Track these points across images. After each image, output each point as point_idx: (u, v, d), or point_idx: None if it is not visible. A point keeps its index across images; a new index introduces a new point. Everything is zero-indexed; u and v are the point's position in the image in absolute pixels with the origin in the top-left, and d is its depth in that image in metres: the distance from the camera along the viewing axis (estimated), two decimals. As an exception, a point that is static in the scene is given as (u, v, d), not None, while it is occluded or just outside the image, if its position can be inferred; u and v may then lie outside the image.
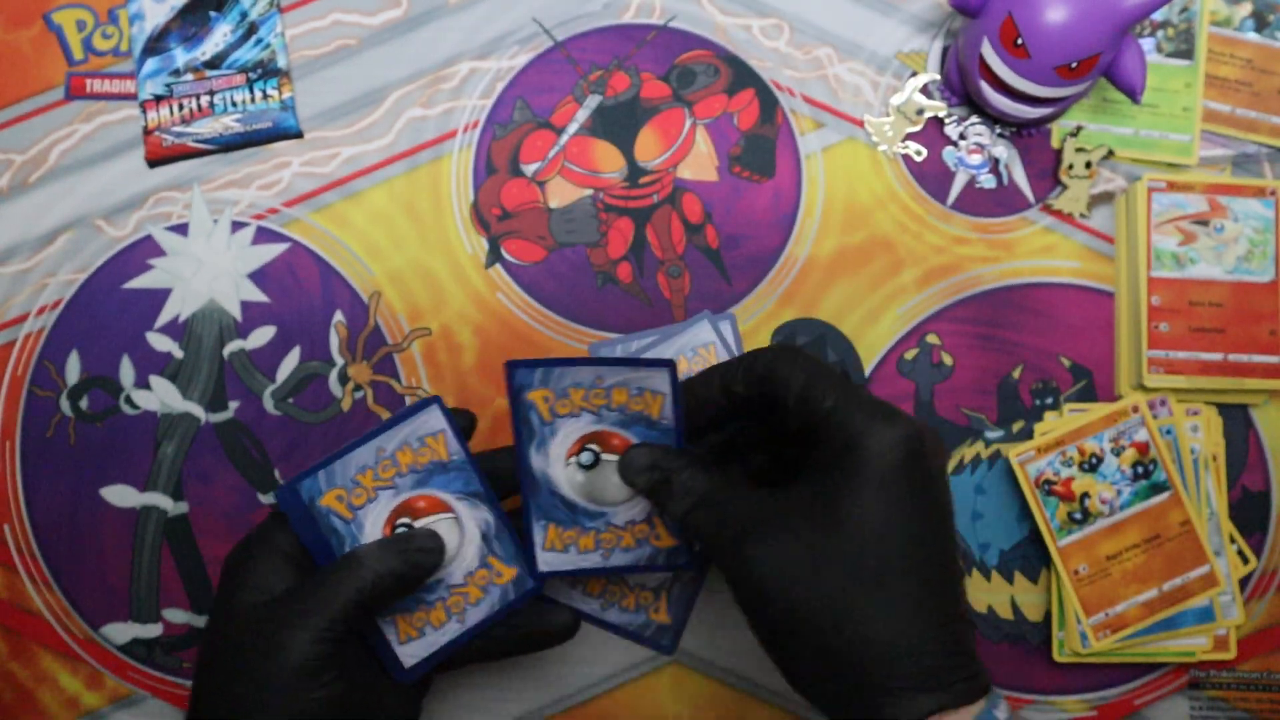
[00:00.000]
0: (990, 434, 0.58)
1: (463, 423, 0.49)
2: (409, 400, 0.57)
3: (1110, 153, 0.59)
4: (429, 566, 0.47)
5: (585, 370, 0.47)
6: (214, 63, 0.59)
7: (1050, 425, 0.57)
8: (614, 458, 0.48)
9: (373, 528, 0.47)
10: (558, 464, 0.49)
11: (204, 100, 0.58)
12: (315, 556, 0.47)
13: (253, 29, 0.59)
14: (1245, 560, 0.57)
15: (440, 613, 0.48)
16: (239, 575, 0.46)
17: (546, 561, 0.49)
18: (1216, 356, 0.57)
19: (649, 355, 0.56)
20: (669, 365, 0.47)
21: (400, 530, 0.47)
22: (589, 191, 0.59)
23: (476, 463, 0.49)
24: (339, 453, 0.47)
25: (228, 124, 0.58)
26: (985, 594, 0.57)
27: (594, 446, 0.49)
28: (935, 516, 0.43)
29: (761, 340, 0.58)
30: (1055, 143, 0.59)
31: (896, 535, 0.42)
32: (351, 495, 0.47)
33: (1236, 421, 0.58)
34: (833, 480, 0.43)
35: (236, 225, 0.58)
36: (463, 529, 0.48)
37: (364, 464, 0.47)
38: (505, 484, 0.50)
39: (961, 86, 0.59)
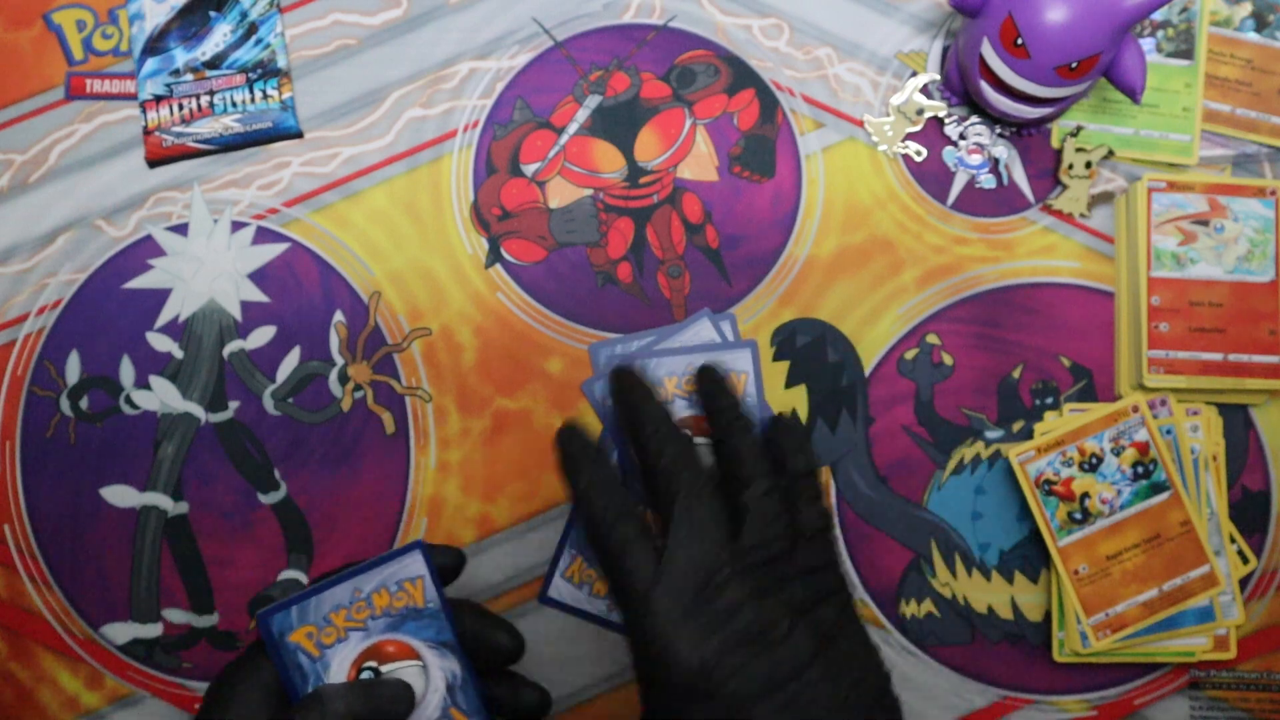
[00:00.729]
0: (990, 434, 0.58)
1: (448, 560, 0.48)
2: (409, 401, 0.57)
3: (1110, 153, 0.59)
4: (395, 717, 0.45)
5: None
6: (214, 63, 0.59)
7: (1050, 425, 0.57)
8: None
9: (338, 668, 0.46)
10: None
11: (204, 100, 0.58)
12: (286, 690, 0.45)
13: (253, 29, 0.59)
14: (1245, 560, 0.57)
15: None
16: (216, 706, 0.45)
17: None
18: (1216, 356, 0.57)
19: (656, 355, 0.56)
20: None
21: (366, 674, 0.46)
22: (589, 191, 0.59)
23: (452, 612, 0.47)
24: (316, 588, 0.46)
25: (228, 124, 0.58)
26: (985, 594, 0.57)
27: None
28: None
29: (763, 340, 0.58)
30: (1055, 143, 0.59)
31: None
32: (321, 633, 0.46)
33: (1236, 421, 0.58)
34: None
35: (236, 225, 0.58)
36: (428, 678, 0.47)
37: (338, 603, 0.46)
38: (467, 643, 0.48)
39: (961, 86, 0.59)
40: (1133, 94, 0.54)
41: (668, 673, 0.44)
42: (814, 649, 0.44)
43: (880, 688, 0.46)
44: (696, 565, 0.45)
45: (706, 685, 0.43)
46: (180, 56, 0.59)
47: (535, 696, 0.49)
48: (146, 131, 0.58)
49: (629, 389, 0.51)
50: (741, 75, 0.60)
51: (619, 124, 0.59)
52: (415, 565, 0.47)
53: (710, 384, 0.51)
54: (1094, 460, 0.55)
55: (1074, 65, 0.52)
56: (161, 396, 0.57)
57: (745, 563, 0.45)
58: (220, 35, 0.59)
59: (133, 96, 0.59)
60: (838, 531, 0.57)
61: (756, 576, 0.45)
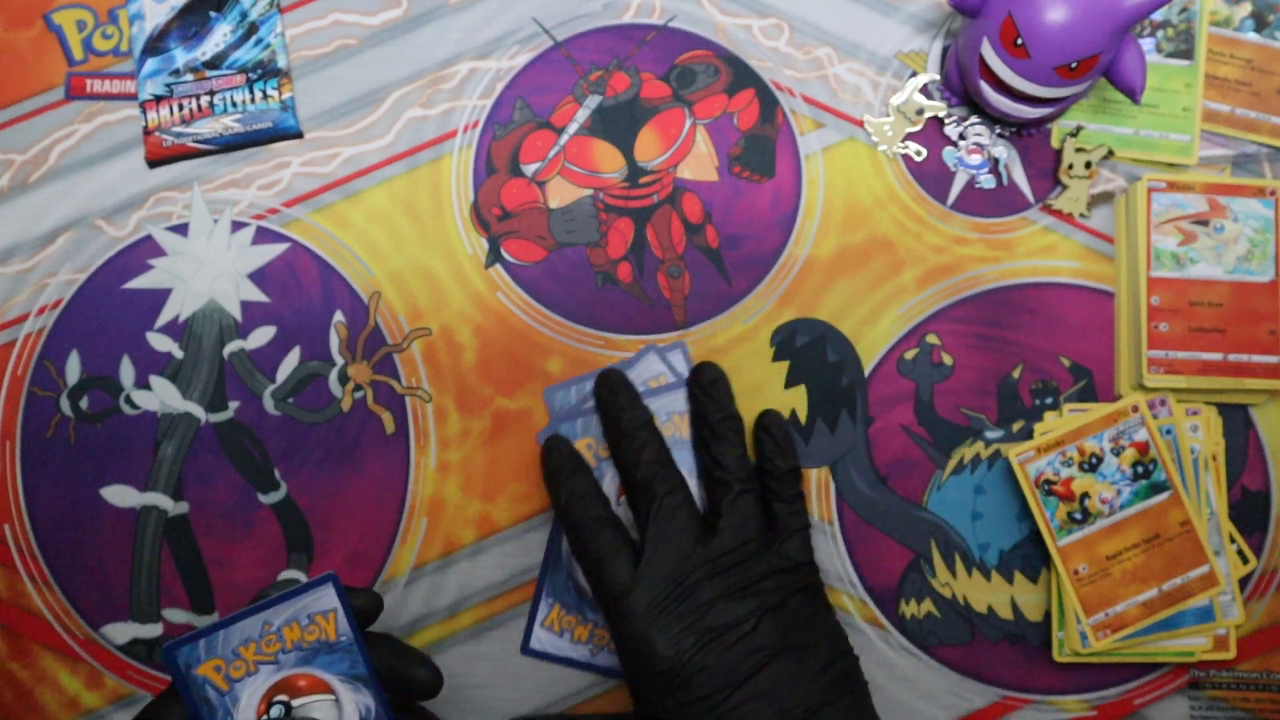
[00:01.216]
0: (990, 434, 0.58)
1: (364, 603, 0.48)
2: (409, 401, 0.57)
3: (1110, 153, 0.59)
4: None
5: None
6: (214, 63, 0.59)
7: (1050, 425, 0.57)
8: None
9: (248, 702, 0.46)
10: None
11: (204, 100, 0.58)
12: None
13: (253, 29, 0.59)
14: (1245, 560, 0.57)
15: None
16: None
17: None
18: (1216, 356, 0.57)
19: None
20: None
21: (277, 708, 0.46)
22: (589, 191, 0.59)
23: (365, 646, 0.47)
24: (224, 621, 0.45)
25: (228, 124, 0.58)
26: (985, 594, 0.57)
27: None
28: None
29: (763, 340, 0.58)
30: (1055, 143, 0.59)
31: None
32: (230, 667, 0.45)
33: (1236, 421, 0.58)
34: None
35: (236, 225, 0.58)
36: (341, 712, 0.46)
37: (248, 636, 0.46)
38: (384, 678, 0.48)
39: (961, 86, 0.59)
40: (1132, 94, 0.54)
41: (645, 667, 0.47)
42: (780, 642, 0.47)
43: (847, 671, 0.49)
44: (669, 570, 0.48)
45: (680, 677, 0.46)
46: (180, 56, 0.59)
47: None
48: (146, 131, 0.58)
49: (612, 393, 0.54)
50: (741, 75, 0.60)
51: (619, 124, 0.59)
52: (327, 599, 0.46)
53: (702, 388, 0.54)
54: (1094, 460, 0.55)
55: (1074, 65, 0.52)
56: (161, 396, 0.57)
57: (716, 566, 0.49)
58: (220, 35, 0.59)
59: (133, 96, 0.59)
60: (838, 530, 0.57)
61: (728, 577, 0.48)
